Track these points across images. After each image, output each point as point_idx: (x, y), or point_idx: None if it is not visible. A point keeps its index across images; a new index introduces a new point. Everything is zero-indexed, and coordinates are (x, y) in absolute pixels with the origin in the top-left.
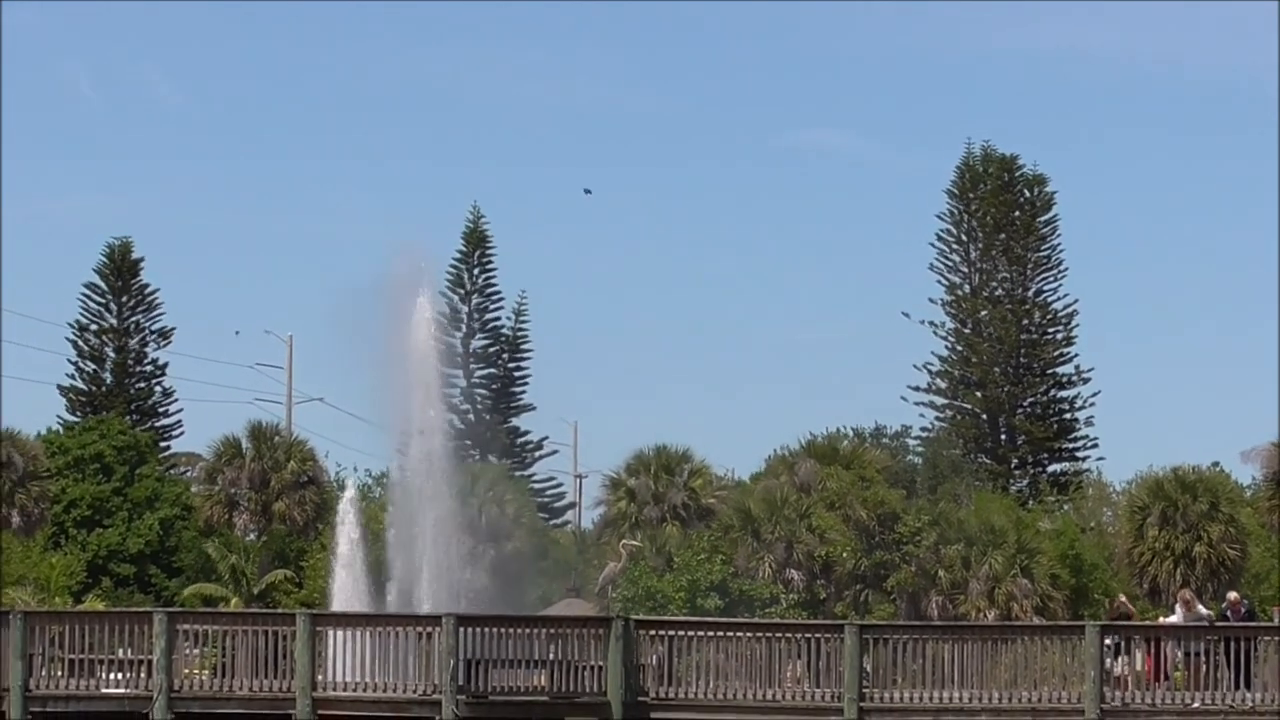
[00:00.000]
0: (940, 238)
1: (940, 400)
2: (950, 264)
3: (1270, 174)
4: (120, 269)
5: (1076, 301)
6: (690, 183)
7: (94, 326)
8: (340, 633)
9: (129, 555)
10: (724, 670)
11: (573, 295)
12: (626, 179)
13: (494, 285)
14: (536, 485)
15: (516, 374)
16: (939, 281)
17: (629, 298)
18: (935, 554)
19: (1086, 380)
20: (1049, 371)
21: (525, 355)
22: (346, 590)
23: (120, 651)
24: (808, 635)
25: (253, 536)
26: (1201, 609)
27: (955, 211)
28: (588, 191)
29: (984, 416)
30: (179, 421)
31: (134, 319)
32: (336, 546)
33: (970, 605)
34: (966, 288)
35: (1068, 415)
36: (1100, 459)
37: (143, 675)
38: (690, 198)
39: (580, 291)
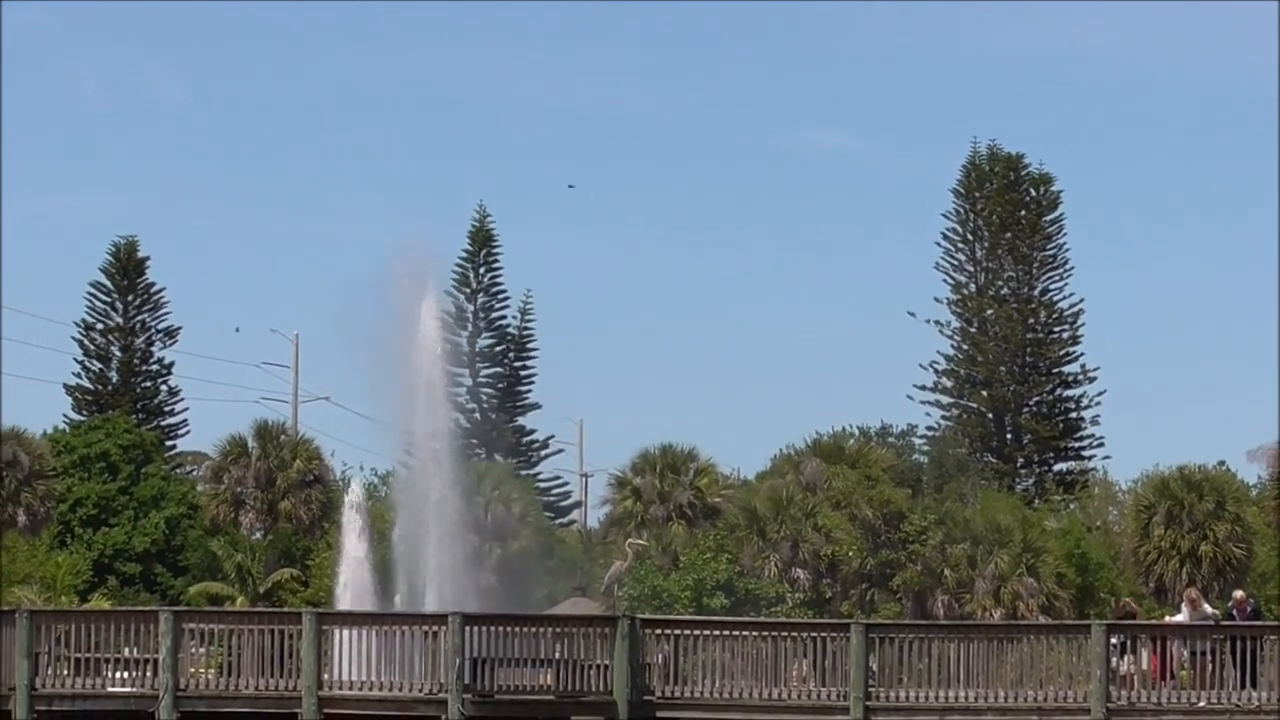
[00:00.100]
0: (946, 237)
1: (946, 399)
2: (956, 263)
3: (1271, 173)
4: (126, 268)
5: (1082, 300)
6: (696, 182)
7: (100, 325)
8: (346, 632)
9: (135, 554)
10: (730, 669)
11: (579, 294)
12: (633, 178)
13: (500, 284)
14: (542, 484)
15: (522, 373)
16: (945, 280)
17: (635, 297)
18: (941, 553)
19: (1092, 379)
20: (1055, 370)
21: (531, 354)
22: (352, 589)
23: (126, 650)
24: (813, 634)
25: (259, 535)
26: (1207, 608)
27: (961, 210)
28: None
29: (990, 415)
30: (185, 420)
31: (140, 318)
32: (342, 545)
33: (976, 604)
34: (972, 287)
35: (1073, 414)
36: (1106, 458)
37: (148, 674)
38: (696, 197)
39: (586, 291)
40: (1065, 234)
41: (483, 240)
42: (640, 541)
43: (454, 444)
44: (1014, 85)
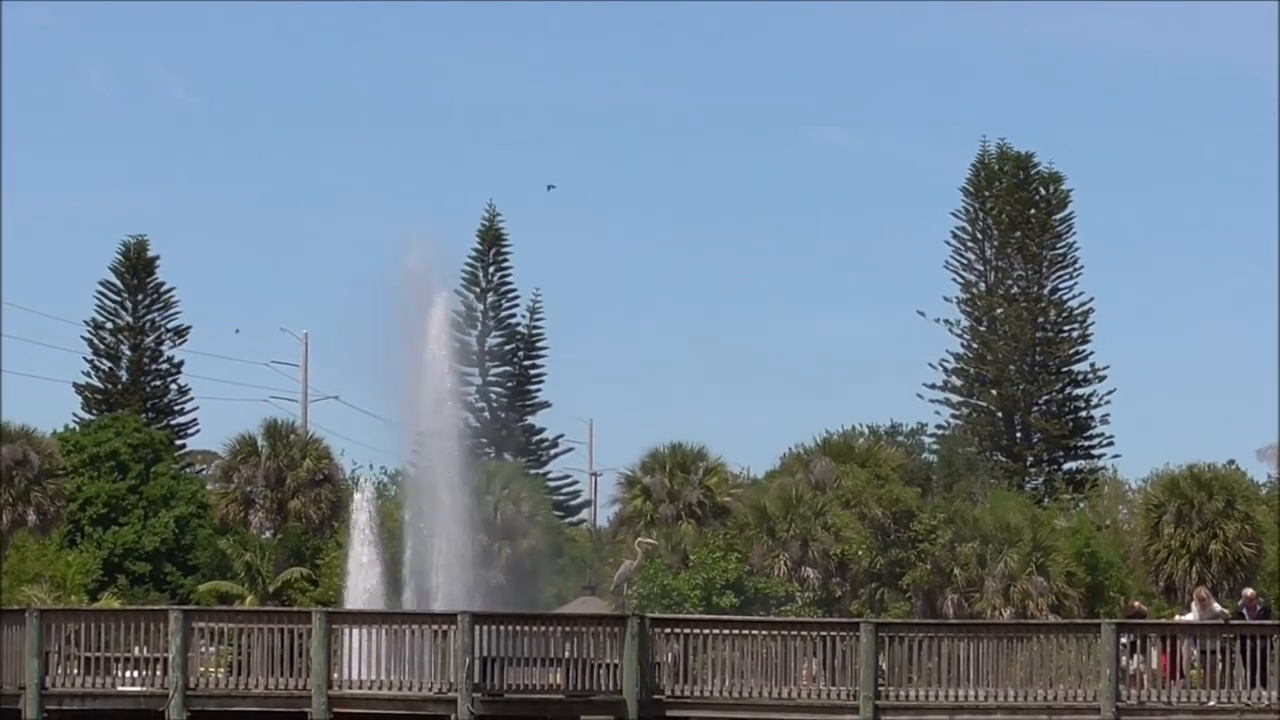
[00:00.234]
0: (955, 235)
1: (956, 398)
2: (965, 262)
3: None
4: (136, 267)
5: (1092, 299)
6: (705, 181)
7: (110, 324)
8: (356, 631)
9: (144, 553)
10: (739, 668)
11: (588, 293)
12: (642, 176)
13: (509, 283)
14: (552, 483)
15: (532, 372)
16: (954, 279)
17: (644, 296)
18: (951, 552)
19: (1102, 378)
20: (1064, 369)
21: (540, 353)
22: (362, 588)
23: (136, 649)
24: (823, 633)
25: (268, 534)
26: (1217, 606)
27: (970, 209)
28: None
29: (999, 414)
30: (194, 419)
31: (149, 317)
32: (352, 544)
33: (986, 603)
34: (982, 285)
35: (1083, 413)
36: (1116, 457)
37: (158, 673)
38: (705, 196)
39: (595, 289)
40: (1075, 233)
41: (492, 239)
42: (650, 540)
43: (463, 443)
44: (1023, 84)
